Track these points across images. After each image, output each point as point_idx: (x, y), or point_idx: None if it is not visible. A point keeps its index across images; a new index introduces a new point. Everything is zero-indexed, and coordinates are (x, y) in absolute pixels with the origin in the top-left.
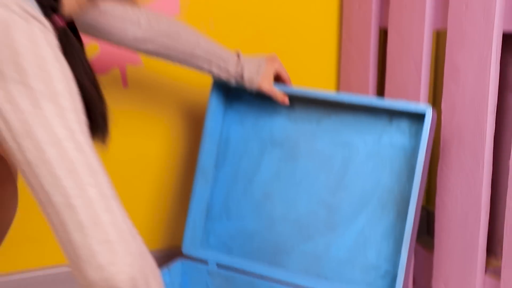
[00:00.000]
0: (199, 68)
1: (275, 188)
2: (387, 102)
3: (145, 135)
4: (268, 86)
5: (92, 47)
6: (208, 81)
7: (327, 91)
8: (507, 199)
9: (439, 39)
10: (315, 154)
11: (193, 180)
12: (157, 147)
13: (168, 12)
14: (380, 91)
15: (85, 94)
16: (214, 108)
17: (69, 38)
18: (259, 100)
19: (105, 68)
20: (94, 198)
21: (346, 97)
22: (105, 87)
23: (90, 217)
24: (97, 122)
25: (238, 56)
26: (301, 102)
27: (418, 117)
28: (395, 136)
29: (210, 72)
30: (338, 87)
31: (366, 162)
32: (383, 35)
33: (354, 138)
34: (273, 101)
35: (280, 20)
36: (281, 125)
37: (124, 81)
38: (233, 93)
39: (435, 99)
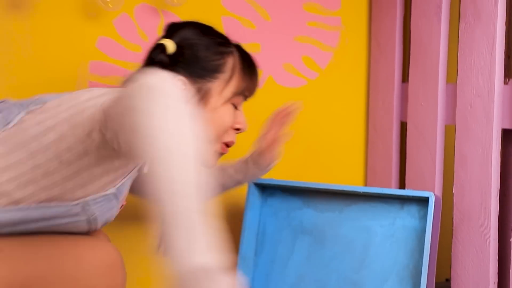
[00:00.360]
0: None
1: (307, 270)
2: (398, 190)
3: None
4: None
5: None
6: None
7: (347, 185)
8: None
9: (450, 133)
10: (340, 238)
11: (236, 267)
12: None
13: None
14: (402, 177)
15: None
16: (252, 204)
17: None
18: (290, 195)
19: None
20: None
21: (363, 188)
22: None
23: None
24: None
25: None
26: (326, 194)
27: (424, 202)
28: (406, 219)
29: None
30: (366, 174)
31: (384, 243)
32: (405, 127)
33: (372, 223)
34: (302, 195)
35: (314, 118)
36: (309, 215)
37: None
38: (267, 190)
39: (448, 184)
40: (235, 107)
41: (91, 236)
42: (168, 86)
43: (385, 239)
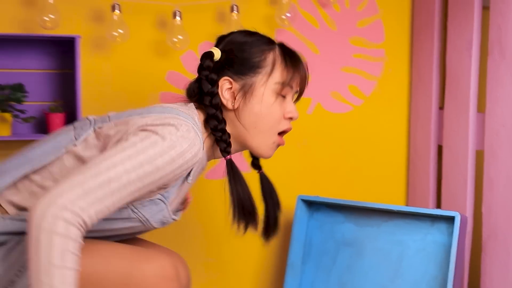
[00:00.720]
0: None
1: (348, 278)
2: (428, 210)
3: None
4: None
5: (213, 160)
6: (293, 200)
7: (383, 204)
8: None
9: (480, 157)
10: (377, 250)
11: (285, 273)
12: (257, 247)
13: None
14: (439, 196)
15: (241, 199)
16: (299, 218)
17: (233, 166)
18: (334, 211)
19: (223, 174)
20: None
21: (397, 207)
22: (219, 188)
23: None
24: (250, 216)
25: None
26: (365, 211)
27: (452, 220)
28: (436, 235)
29: None
30: (407, 193)
31: (416, 256)
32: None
33: (406, 237)
34: (344, 211)
35: (359, 141)
36: (350, 229)
37: None
38: (313, 206)
39: (479, 204)
40: (284, 98)
41: (151, 248)
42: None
43: (417, 253)
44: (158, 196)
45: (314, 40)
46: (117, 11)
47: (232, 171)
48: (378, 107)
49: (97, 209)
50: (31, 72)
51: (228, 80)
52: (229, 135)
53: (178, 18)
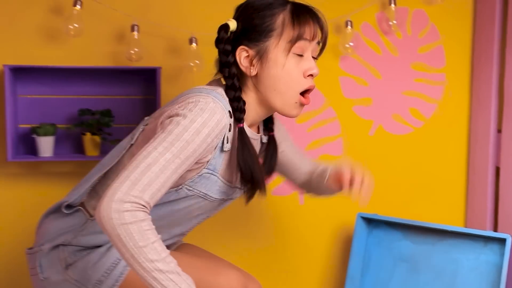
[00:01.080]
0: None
1: None
2: (481, 231)
3: (308, 248)
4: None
5: (279, 178)
6: (353, 216)
7: (438, 223)
8: None
9: None
10: (432, 267)
11: (344, 286)
12: (320, 260)
13: (333, 151)
14: (496, 218)
15: (247, 165)
16: (359, 234)
17: (244, 135)
18: (392, 228)
19: (288, 191)
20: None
21: (451, 227)
22: (286, 204)
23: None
24: (257, 182)
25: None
26: (422, 229)
27: (504, 242)
28: (489, 255)
29: None
30: (466, 214)
31: (469, 274)
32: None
33: (460, 256)
34: (402, 229)
35: (419, 161)
36: (407, 246)
37: (301, 199)
38: (373, 223)
39: None
40: (301, 56)
41: (222, 265)
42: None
43: (470, 271)
44: (205, 170)
45: (376, 65)
46: (194, 44)
47: (243, 139)
48: (438, 129)
49: (149, 193)
50: (118, 98)
51: (244, 48)
52: (244, 102)
53: None
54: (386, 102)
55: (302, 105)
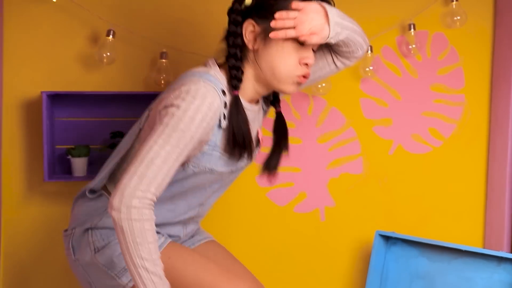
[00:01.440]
0: None
1: None
2: (495, 252)
3: (328, 263)
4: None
5: (301, 195)
6: (372, 233)
7: (452, 243)
8: None
9: None
10: (447, 285)
11: None
12: (336, 273)
13: (353, 170)
14: None
15: (239, 129)
16: (377, 251)
17: (238, 102)
18: (409, 246)
19: (310, 208)
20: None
21: (464, 247)
22: (308, 221)
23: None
24: (248, 148)
25: None
26: (437, 248)
27: None
28: (503, 274)
29: None
30: (485, 233)
31: None
32: None
33: (474, 275)
34: (419, 247)
35: (438, 180)
36: (423, 263)
37: (322, 216)
38: (391, 240)
39: None
40: (302, 44)
41: (236, 273)
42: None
43: None
44: (206, 147)
45: (396, 87)
46: None
47: (237, 106)
48: (457, 148)
49: (155, 186)
50: None
51: (252, 23)
52: (242, 72)
53: None
54: (406, 123)
55: (298, 83)
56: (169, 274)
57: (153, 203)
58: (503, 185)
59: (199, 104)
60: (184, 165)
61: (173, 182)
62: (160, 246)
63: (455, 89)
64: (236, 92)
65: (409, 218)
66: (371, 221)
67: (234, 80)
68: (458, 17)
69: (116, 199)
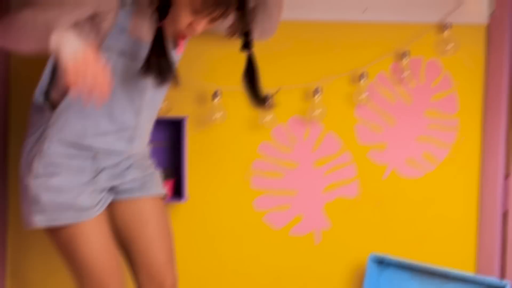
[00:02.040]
0: None
1: None
2: (484, 278)
3: (322, 285)
4: None
5: (297, 218)
6: (365, 256)
7: (442, 268)
8: None
9: None
10: None
11: None
12: None
13: (348, 193)
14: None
15: (161, 59)
16: (370, 274)
17: (162, 33)
18: (401, 269)
19: (306, 230)
20: None
21: (457, 273)
22: (304, 244)
23: None
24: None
25: None
26: (428, 272)
27: None
28: None
29: None
30: (477, 258)
31: None
32: None
33: None
34: (410, 270)
35: (431, 205)
36: (416, 287)
37: (318, 239)
38: (384, 263)
39: None
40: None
41: (114, 275)
42: None
43: None
44: (114, 28)
45: (390, 113)
46: (217, 98)
47: (160, 36)
48: (450, 172)
49: None
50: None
51: None
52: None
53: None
54: (400, 148)
55: (183, 37)
56: (67, 243)
57: None
58: (495, 210)
59: None
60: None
61: None
62: (86, 215)
63: (448, 114)
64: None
65: (403, 241)
66: (365, 243)
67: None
68: (452, 45)
69: None
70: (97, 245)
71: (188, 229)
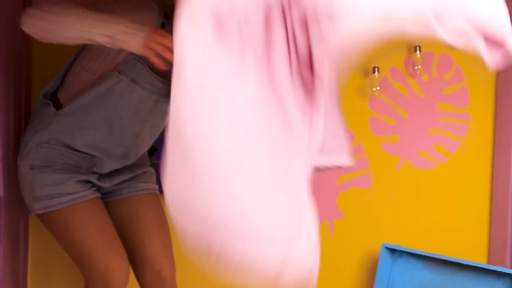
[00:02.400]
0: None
1: None
2: (495, 266)
3: (336, 273)
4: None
5: None
6: (378, 246)
7: (455, 257)
8: None
9: None
10: None
11: None
12: (344, 283)
13: (361, 184)
14: None
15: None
16: (383, 263)
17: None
18: (413, 259)
19: (319, 220)
20: None
21: (469, 261)
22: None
23: None
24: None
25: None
26: (442, 262)
27: None
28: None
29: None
30: (489, 249)
31: None
32: None
33: (475, 287)
34: (423, 260)
35: (444, 195)
36: (427, 276)
37: (332, 228)
38: (396, 253)
39: None
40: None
41: (113, 248)
42: None
43: None
44: (132, 56)
45: (403, 106)
46: None
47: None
48: (462, 164)
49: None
50: None
51: None
52: None
53: None
54: (413, 140)
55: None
56: (63, 228)
57: None
58: (506, 201)
59: None
60: (112, 73)
61: (103, 93)
62: (77, 199)
63: (460, 107)
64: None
65: (415, 231)
66: (378, 233)
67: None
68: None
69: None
70: (91, 225)
71: None
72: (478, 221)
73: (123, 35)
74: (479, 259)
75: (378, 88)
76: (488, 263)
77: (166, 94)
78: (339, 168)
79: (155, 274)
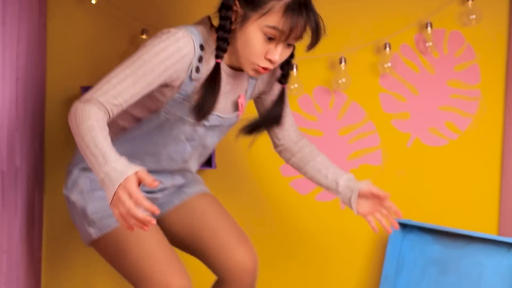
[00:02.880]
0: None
1: None
2: (505, 238)
3: (347, 249)
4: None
5: (319, 188)
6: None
7: (464, 230)
8: None
9: None
10: (460, 270)
11: (379, 284)
12: (354, 258)
13: (372, 161)
14: None
15: (205, 92)
16: (394, 238)
17: (218, 70)
18: (424, 233)
19: (331, 196)
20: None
21: (479, 233)
22: (329, 209)
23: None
24: (204, 109)
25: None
26: (451, 235)
27: None
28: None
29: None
30: (499, 222)
31: (493, 276)
32: None
33: (485, 260)
34: (433, 234)
35: (454, 171)
36: (438, 250)
37: (342, 205)
38: (407, 227)
39: None
40: (271, 40)
41: (171, 266)
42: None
43: (495, 274)
44: (177, 95)
45: (414, 83)
46: None
47: (214, 72)
48: (472, 141)
49: (104, 97)
50: None
51: (237, 4)
52: (228, 43)
53: (294, 70)
54: (423, 117)
55: (258, 71)
56: (121, 248)
57: (104, 108)
58: None
59: (168, 44)
60: (157, 111)
61: (151, 129)
62: None
63: (471, 85)
64: (218, 60)
65: (426, 207)
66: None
67: (219, 50)
68: (474, 16)
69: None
70: (151, 239)
71: (218, 195)
72: (488, 196)
73: (101, 182)
74: (490, 232)
75: (389, 64)
76: (498, 234)
77: (213, 127)
78: None
79: (238, 263)
